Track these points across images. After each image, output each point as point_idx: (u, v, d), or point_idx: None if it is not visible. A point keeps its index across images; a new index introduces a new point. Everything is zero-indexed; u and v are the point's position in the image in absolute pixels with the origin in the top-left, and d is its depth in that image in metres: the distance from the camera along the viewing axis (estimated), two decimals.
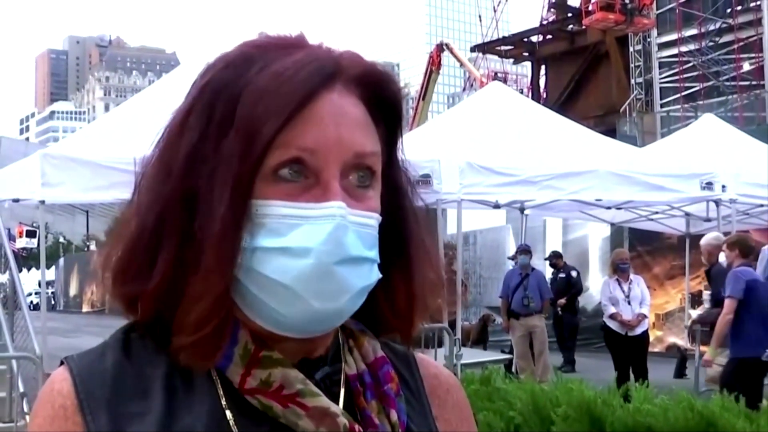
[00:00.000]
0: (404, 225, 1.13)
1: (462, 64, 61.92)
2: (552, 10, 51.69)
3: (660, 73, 43.82)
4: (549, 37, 51.52)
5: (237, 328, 1.04)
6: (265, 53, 1.05)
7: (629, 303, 11.58)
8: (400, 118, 1.14)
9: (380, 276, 1.05)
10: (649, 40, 44.60)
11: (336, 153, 1.02)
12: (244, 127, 1.00)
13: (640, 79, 44.16)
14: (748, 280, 8.45)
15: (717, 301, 9.34)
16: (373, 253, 1.04)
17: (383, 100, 1.10)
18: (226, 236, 0.99)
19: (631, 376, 10.73)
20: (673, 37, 42.82)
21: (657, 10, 43.84)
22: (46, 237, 11.45)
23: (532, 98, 35.31)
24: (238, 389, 1.03)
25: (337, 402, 1.06)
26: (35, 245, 37.94)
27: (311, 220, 1.00)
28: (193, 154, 1.03)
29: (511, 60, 56.68)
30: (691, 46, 41.96)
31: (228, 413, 1.02)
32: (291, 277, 0.99)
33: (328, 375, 1.08)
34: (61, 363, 1.06)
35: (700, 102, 37.02)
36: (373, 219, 1.05)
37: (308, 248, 0.98)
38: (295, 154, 1.00)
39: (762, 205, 11.54)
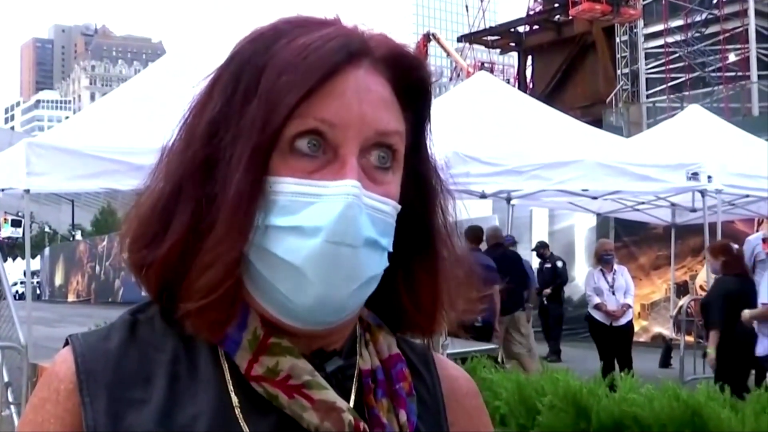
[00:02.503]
0: (428, 217, 1.11)
1: (449, 54, 61.92)
2: (539, 0, 51.67)
3: (646, 64, 43.87)
4: (536, 27, 51.50)
5: (247, 313, 1.03)
6: (295, 28, 1.04)
7: (614, 293, 11.61)
8: (429, 105, 1.11)
9: (387, 265, 1.02)
10: (635, 30, 44.61)
11: (357, 129, 0.99)
12: (267, 97, 0.99)
13: (626, 70, 44.19)
14: None
15: None
16: (386, 242, 1.01)
17: (412, 85, 1.07)
18: (240, 204, 0.98)
19: (617, 366, 10.77)
20: (660, 27, 42.87)
21: (643, 1, 43.88)
22: (31, 226, 11.41)
23: (519, 88, 35.32)
24: (245, 375, 1.01)
25: (348, 397, 1.04)
26: (20, 235, 37.82)
27: (324, 198, 0.97)
28: (216, 122, 1.03)
29: (498, 50, 56.62)
30: (678, 37, 42.00)
31: (234, 399, 1.00)
32: (301, 257, 0.96)
33: (341, 369, 1.06)
34: (66, 343, 1.05)
35: (686, 93, 37.04)
36: (389, 206, 1.02)
37: (319, 227, 0.96)
38: (313, 125, 0.99)
39: (747, 196, 11.57)
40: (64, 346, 1.05)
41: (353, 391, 1.06)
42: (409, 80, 1.07)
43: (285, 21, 1.06)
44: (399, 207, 1.04)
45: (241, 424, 0.99)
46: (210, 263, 0.98)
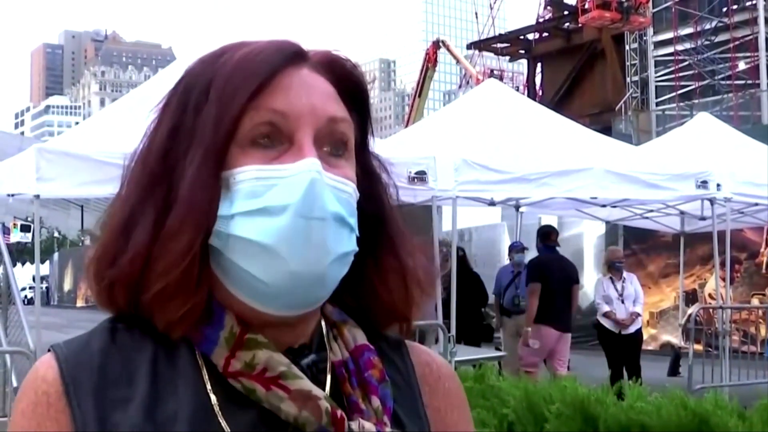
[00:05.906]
0: (382, 204, 1.15)
1: (458, 62, 61.96)
2: (548, 7, 51.70)
3: (655, 72, 43.86)
4: (545, 34, 51.57)
5: (222, 313, 1.05)
6: (236, 46, 1.10)
7: (623, 301, 11.57)
8: (368, 105, 1.16)
9: (356, 249, 1.06)
10: (645, 38, 44.60)
11: (308, 117, 1.04)
12: (218, 101, 1.04)
13: (635, 78, 44.16)
14: None
15: None
16: (353, 221, 1.05)
17: (351, 87, 1.12)
18: (194, 195, 1.02)
19: (625, 374, 10.74)
20: (669, 35, 42.86)
21: (653, 8, 43.86)
22: (40, 231, 11.45)
23: (528, 96, 35.33)
24: (222, 372, 1.03)
25: (323, 388, 1.06)
26: (30, 240, 37.86)
27: (287, 179, 1.00)
28: (170, 138, 1.07)
29: (507, 57, 56.71)
30: (687, 45, 42.00)
31: (213, 397, 1.03)
32: (271, 236, 0.99)
33: (315, 363, 1.08)
34: (49, 350, 1.07)
35: (696, 101, 37.02)
36: (350, 186, 1.06)
37: (286, 205, 0.99)
38: (267, 116, 1.03)
39: (757, 204, 11.54)
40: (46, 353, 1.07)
41: (328, 382, 1.09)
42: (348, 82, 1.12)
43: (226, 44, 1.13)
44: (358, 193, 1.08)
45: (220, 421, 1.02)
46: (165, 251, 1.01)
